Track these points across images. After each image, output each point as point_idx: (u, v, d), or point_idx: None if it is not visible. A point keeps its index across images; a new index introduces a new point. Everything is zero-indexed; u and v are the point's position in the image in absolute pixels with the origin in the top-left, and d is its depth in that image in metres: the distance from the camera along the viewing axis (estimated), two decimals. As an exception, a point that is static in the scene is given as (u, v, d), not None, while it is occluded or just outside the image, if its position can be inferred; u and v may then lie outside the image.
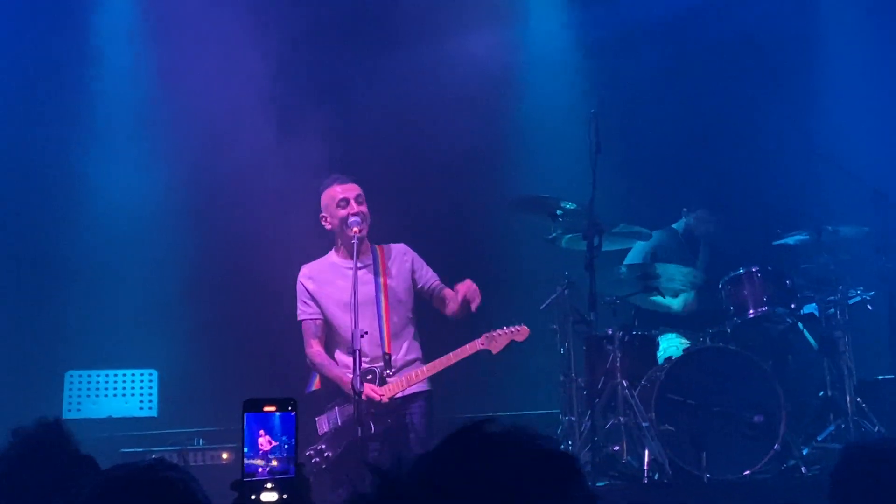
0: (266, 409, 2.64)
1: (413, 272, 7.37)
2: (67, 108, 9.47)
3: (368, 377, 6.81)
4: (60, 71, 9.46)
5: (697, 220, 9.37)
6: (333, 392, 6.99)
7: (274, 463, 2.61)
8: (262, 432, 2.62)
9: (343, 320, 7.06)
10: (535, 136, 10.10)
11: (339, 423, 6.86)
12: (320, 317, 7.24)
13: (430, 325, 7.57)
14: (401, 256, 7.37)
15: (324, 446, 6.83)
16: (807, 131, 9.83)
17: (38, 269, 9.28)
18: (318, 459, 6.81)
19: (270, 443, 2.61)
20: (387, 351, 7.01)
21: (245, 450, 2.60)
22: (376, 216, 7.33)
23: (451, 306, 7.22)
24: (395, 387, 6.92)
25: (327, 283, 7.25)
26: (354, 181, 7.30)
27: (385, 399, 6.82)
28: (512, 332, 7.09)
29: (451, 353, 7.01)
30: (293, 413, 2.65)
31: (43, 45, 9.38)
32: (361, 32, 9.95)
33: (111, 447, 7.06)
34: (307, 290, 7.27)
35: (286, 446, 2.62)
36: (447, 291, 7.30)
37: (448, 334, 7.43)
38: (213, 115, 9.42)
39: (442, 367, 6.99)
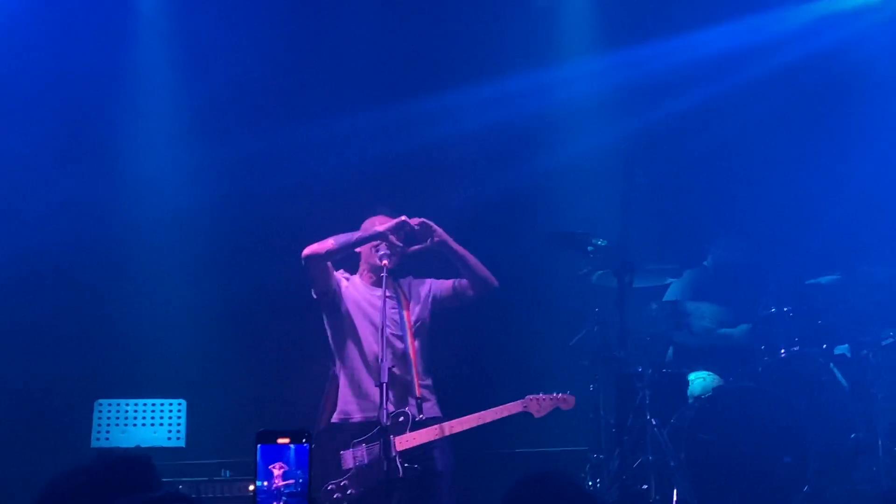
0: (280, 440, 2.63)
1: (431, 297, 7.25)
2: (100, 137, 9.55)
3: (400, 419, 6.73)
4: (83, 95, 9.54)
5: (727, 249, 9.32)
6: (355, 428, 6.87)
7: (287, 498, 2.59)
8: (276, 465, 2.61)
9: (370, 343, 6.93)
10: (568, 173, 10.09)
11: (366, 461, 6.74)
12: (335, 281, 7.10)
13: (463, 377, 7.49)
14: (417, 288, 7.27)
15: (346, 482, 6.73)
16: (842, 171, 9.81)
17: (69, 297, 9.33)
18: (339, 495, 6.69)
19: (284, 476, 2.60)
20: (417, 395, 6.92)
21: (258, 483, 2.59)
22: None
23: (462, 279, 7.18)
24: (428, 435, 6.80)
25: (361, 299, 7.14)
26: (389, 214, 7.27)
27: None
28: (558, 399, 6.88)
29: (486, 412, 6.78)
30: (307, 445, 2.64)
31: (75, 57, 9.45)
32: (398, 72, 10.01)
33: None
34: (340, 283, 7.17)
35: (300, 480, 2.61)
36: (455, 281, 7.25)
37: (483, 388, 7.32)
38: (247, 147, 9.53)
39: (475, 425, 6.77)
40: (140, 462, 3.40)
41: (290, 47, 9.85)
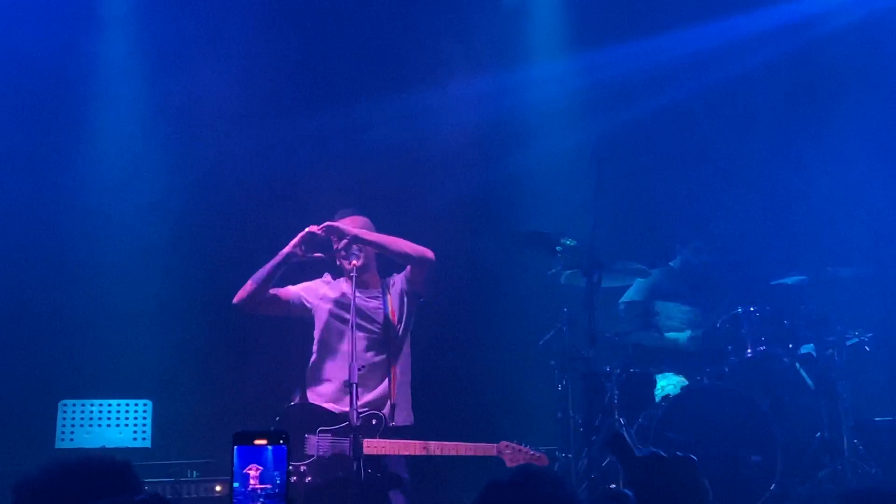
0: (257, 442, 2.60)
1: (401, 294, 7.29)
2: (64, 130, 9.47)
3: (373, 422, 6.72)
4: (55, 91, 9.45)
5: (694, 251, 9.36)
6: (325, 416, 6.83)
7: (264, 500, 2.57)
8: (252, 466, 2.58)
9: (346, 342, 6.87)
10: (537, 173, 10.11)
11: (329, 454, 6.73)
12: (294, 299, 7.18)
13: (431, 380, 7.47)
14: (396, 288, 7.31)
15: (305, 468, 6.70)
16: (807, 172, 9.88)
17: (32, 297, 9.24)
18: (295, 479, 6.65)
19: (261, 477, 2.57)
20: (392, 399, 6.92)
21: (235, 485, 2.56)
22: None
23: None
24: (400, 448, 6.76)
25: (340, 300, 7.17)
26: (359, 213, 7.27)
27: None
28: (532, 455, 6.89)
29: (462, 445, 6.80)
30: (285, 447, 2.61)
31: (47, 55, 9.36)
32: (368, 72, 9.99)
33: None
34: (303, 296, 7.24)
35: (278, 481, 2.58)
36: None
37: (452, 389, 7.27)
38: (217, 145, 9.50)
39: (448, 454, 6.79)
40: (119, 465, 3.37)
41: (264, 45, 9.81)
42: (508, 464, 6.83)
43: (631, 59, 10.20)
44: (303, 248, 7.03)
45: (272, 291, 7.12)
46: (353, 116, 9.80)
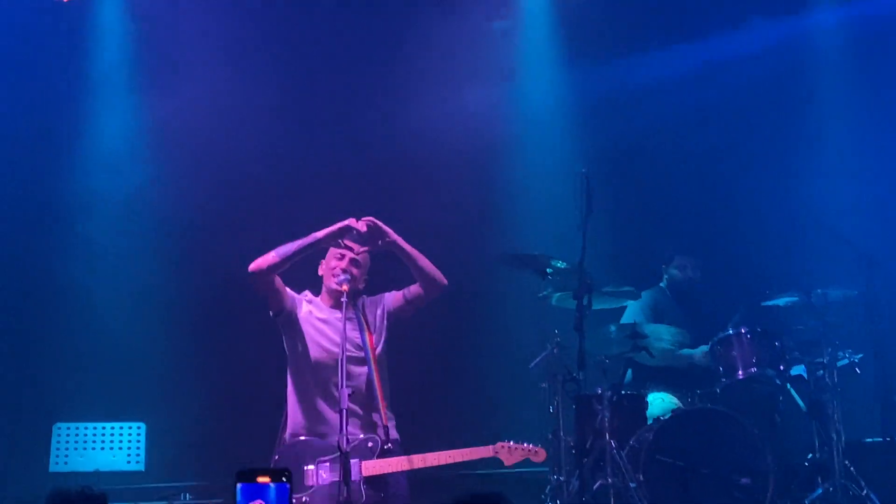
0: (260, 479, 2.63)
1: (385, 314, 7.14)
2: (57, 144, 9.49)
3: (369, 445, 6.71)
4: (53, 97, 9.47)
5: (678, 268, 9.40)
6: (318, 447, 6.82)
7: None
8: (258, 502, 2.61)
9: (327, 367, 6.79)
10: (526, 194, 10.16)
11: (328, 482, 6.70)
12: (290, 301, 7.01)
13: (420, 399, 7.47)
14: (373, 308, 7.15)
15: (307, 499, 6.70)
16: (797, 194, 9.93)
17: (26, 321, 9.25)
18: None
19: (264, 515, 2.60)
20: (384, 423, 6.88)
21: (239, 522, 2.59)
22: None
23: (411, 285, 7.09)
24: (396, 465, 6.72)
25: (320, 321, 7.00)
26: (367, 250, 7.14)
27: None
28: (529, 450, 6.83)
29: (457, 451, 6.73)
30: (287, 485, 2.64)
31: (44, 61, 9.39)
32: (360, 83, 10.03)
33: (98, 501, 7.00)
34: (298, 304, 7.07)
35: (281, 520, 2.61)
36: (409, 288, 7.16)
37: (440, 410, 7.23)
38: (213, 144, 9.54)
39: (443, 463, 6.71)
40: (95, 499, 3.38)
41: (258, 45, 9.89)
42: (507, 463, 6.81)
43: (619, 76, 10.28)
44: (339, 239, 6.88)
45: (279, 279, 7.00)
46: (342, 132, 9.84)
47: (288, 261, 6.85)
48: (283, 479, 2.64)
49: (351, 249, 6.95)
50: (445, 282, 7.08)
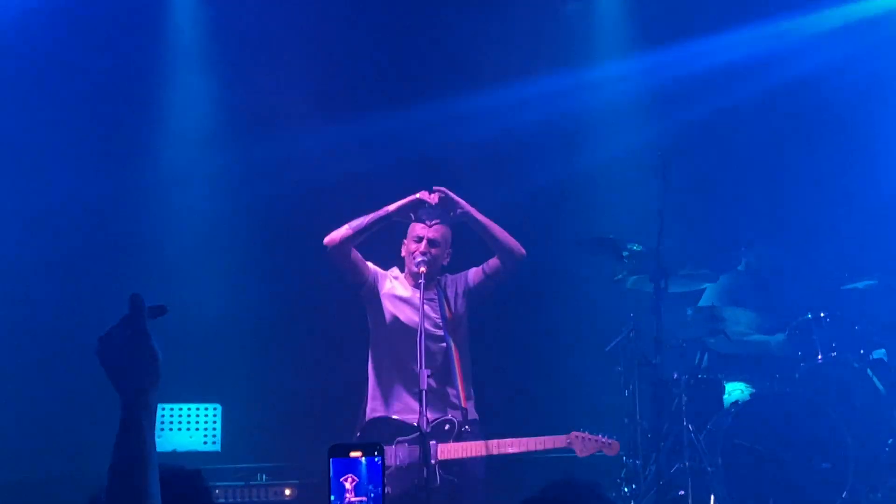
0: (352, 454, 2.62)
1: (465, 291, 7.15)
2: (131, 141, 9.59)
3: (446, 427, 6.71)
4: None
5: (758, 256, 9.29)
6: (397, 427, 6.83)
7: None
8: (348, 477, 2.60)
9: (407, 345, 6.78)
10: (602, 177, 10.09)
11: (406, 463, 6.70)
12: (371, 275, 7.04)
13: (498, 382, 7.42)
14: (454, 286, 7.16)
15: (385, 480, 6.68)
16: (876, 176, 9.78)
17: (103, 303, 9.33)
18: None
19: (356, 489, 2.59)
20: (463, 403, 6.86)
21: (332, 498, 2.58)
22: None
23: (490, 259, 7.09)
24: (473, 450, 6.72)
25: (402, 299, 7.04)
26: (443, 223, 7.13)
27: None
28: (603, 443, 6.77)
29: (532, 439, 6.72)
30: (380, 459, 2.63)
31: (109, 65, 9.48)
32: (431, 74, 10.02)
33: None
34: (380, 278, 7.10)
35: (372, 495, 2.60)
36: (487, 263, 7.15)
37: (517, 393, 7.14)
38: (274, 146, 9.57)
39: (519, 451, 6.73)
40: (189, 473, 3.38)
41: (318, 49, 9.86)
42: (579, 454, 6.76)
43: (695, 59, 10.13)
44: (410, 213, 6.92)
45: (356, 253, 7.04)
46: (414, 118, 9.82)
47: (361, 233, 6.89)
48: (375, 454, 2.63)
49: (423, 222, 6.95)
50: (524, 252, 7.06)
